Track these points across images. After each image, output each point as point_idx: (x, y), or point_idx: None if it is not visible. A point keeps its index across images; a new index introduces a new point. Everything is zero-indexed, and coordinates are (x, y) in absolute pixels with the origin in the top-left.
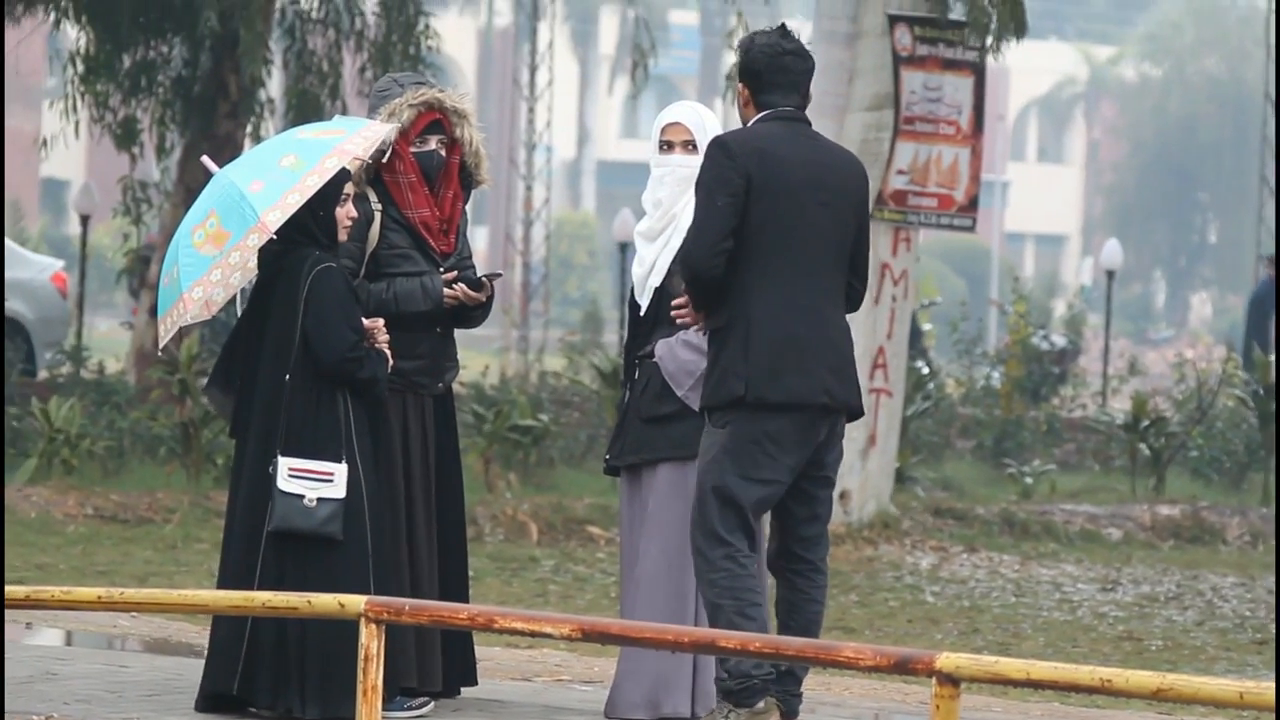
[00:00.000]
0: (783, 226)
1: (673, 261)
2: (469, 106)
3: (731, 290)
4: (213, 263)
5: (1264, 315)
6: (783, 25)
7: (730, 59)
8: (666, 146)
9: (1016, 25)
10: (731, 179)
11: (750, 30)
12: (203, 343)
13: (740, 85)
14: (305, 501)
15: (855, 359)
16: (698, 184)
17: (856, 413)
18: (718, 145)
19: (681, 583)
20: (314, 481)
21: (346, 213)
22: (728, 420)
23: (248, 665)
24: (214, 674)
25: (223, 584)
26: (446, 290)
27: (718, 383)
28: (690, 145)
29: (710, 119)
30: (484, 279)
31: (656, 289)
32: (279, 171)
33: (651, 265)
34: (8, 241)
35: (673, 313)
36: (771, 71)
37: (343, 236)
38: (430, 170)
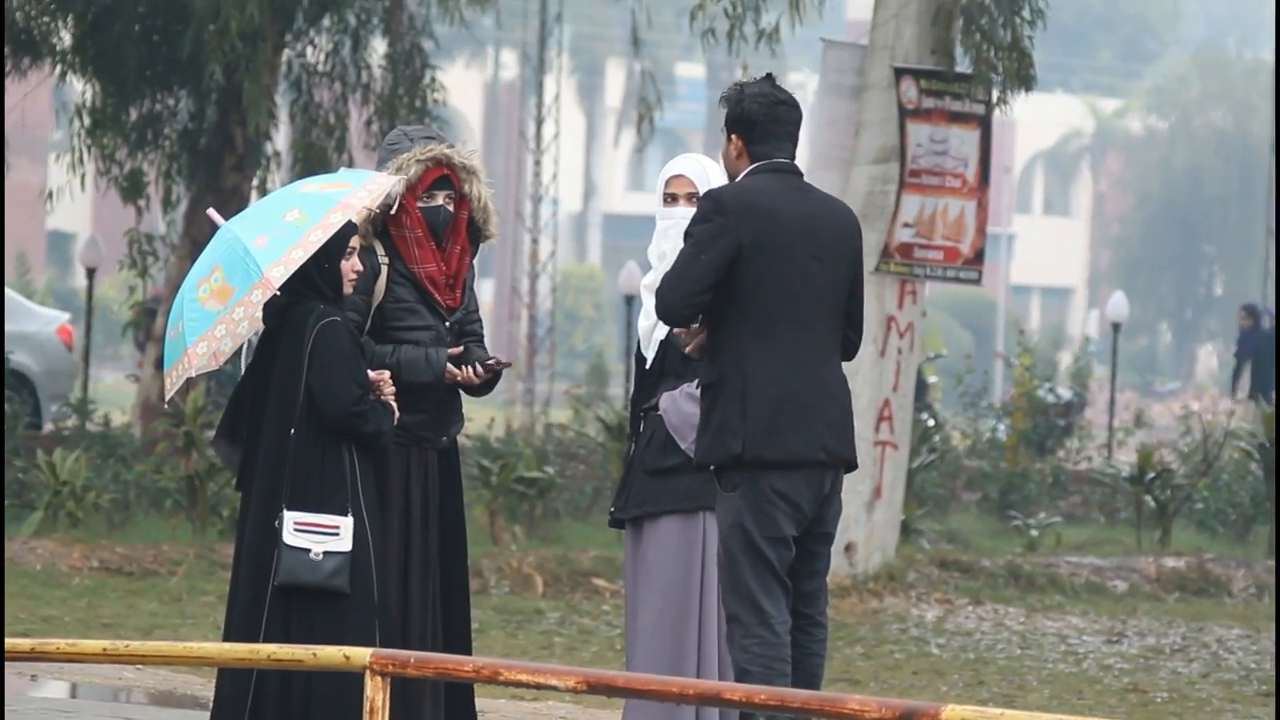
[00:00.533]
0: (778, 282)
1: None
2: (477, 163)
3: (726, 345)
4: (217, 318)
5: (1243, 365)
6: (769, 75)
7: None
8: (671, 199)
9: (1024, 78)
10: (720, 238)
11: (774, 80)
12: (208, 395)
13: (733, 136)
14: (311, 555)
15: (856, 410)
16: (686, 232)
17: (851, 466)
18: (711, 200)
19: (681, 633)
20: (320, 535)
21: (352, 266)
22: (736, 483)
23: (253, 717)
24: None
25: (228, 637)
26: (450, 367)
27: (713, 440)
28: (694, 198)
29: (714, 171)
30: (491, 365)
31: (661, 342)
32: (283, 226)
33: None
34: (14, 295)
35: (674, 332)
36: (767, 121)
37: (348, 289)
38: (437, 226)
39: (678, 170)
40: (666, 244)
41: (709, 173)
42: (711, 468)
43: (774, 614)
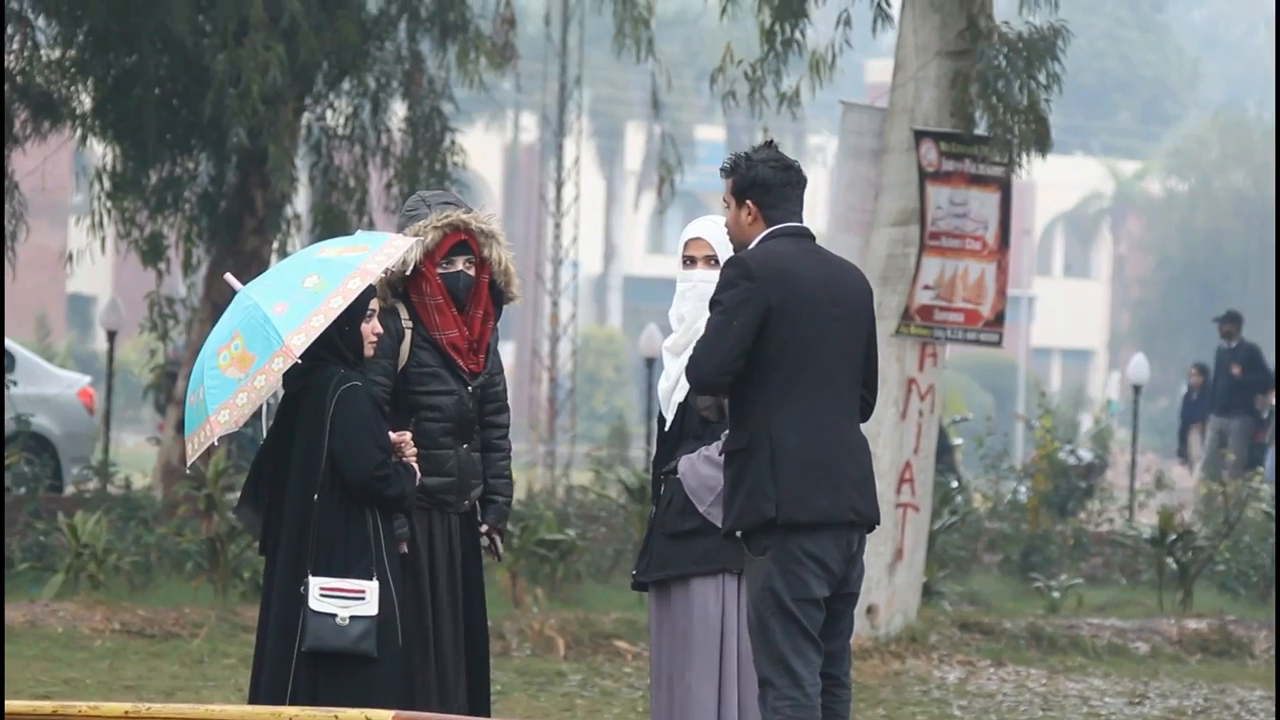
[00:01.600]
0: (803, 345)
1: None
2: (496, 226)
3: (752, 410)
4: (238, 386)
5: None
6: (770, 142)
7: None
8: (689, 262)
9: (1040, 142)
10: (750, 302)
11: (777, 147)
12: (229, 458)
13: (747, 203)
14: (338, 620)
15: (878, 473)
16: (712, 301)
17: (876, 524)
18: (736, 266)
19: (703, 696)
20: (346, 600)
21: (372, 328)
22: (765, 546)
23: None
24: None
25: (255, 703)
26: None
27: (745, 505)
28: (712, 260)
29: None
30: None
31: (680, 404)
32: (302, 293)
33: (676, 380)
34: (34, 358)
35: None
36: (781, 185)
37: (369, 352)
38: (458, 291)
39: (696, 233)
40: (685, 306)
41: (727, 235)
42: (738, 533)
43: (806, 676)
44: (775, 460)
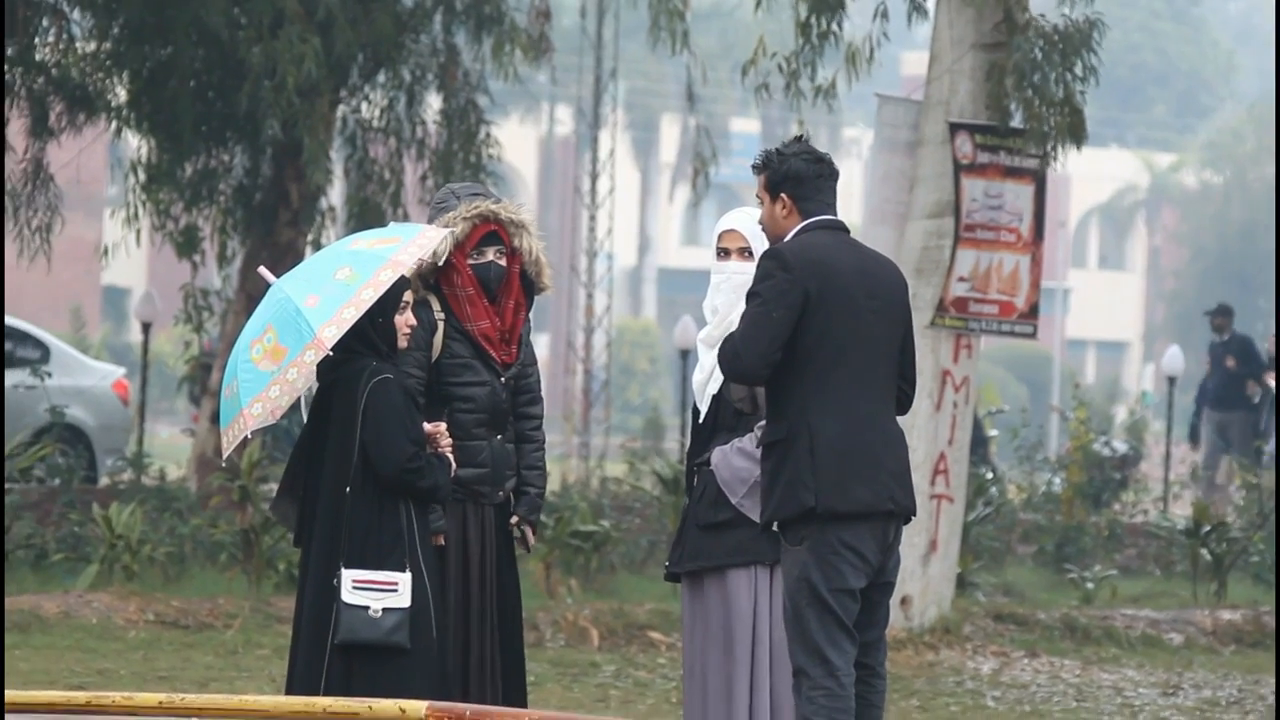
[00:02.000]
0: (840, 336)
1: None
2: (526, 216)
3: (790, 401)
4: (271, 379)
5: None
6: (800, 136)
7: None
8: (723, 254)
9: (1075, 134)
10: (789, 293)
11: (808, 140)
12: (263, 449)
13: (781, 196)
14: (371, 613)
15: (912, 464)
16: (751, 293)
17: (913, 515)
18: (774, 257)
19: (734, 688)
20: (379, 592)
21: (405, 320)
22: (803, 536)
23: None
24: None
25: (291, 694)
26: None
27: (785, 495)
28: (746, 252)
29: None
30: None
31: (714, 396)
32: (334, 285)
33: (710, 372)
34: (69, 349)
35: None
36: (814, 177)
37: (402, 344)
38: (489, 282)
39: (730, 225)
40: (719, 298)
41: (762, 230)
42: (775, 524)
43: (840, 666)
44: (814, 450)
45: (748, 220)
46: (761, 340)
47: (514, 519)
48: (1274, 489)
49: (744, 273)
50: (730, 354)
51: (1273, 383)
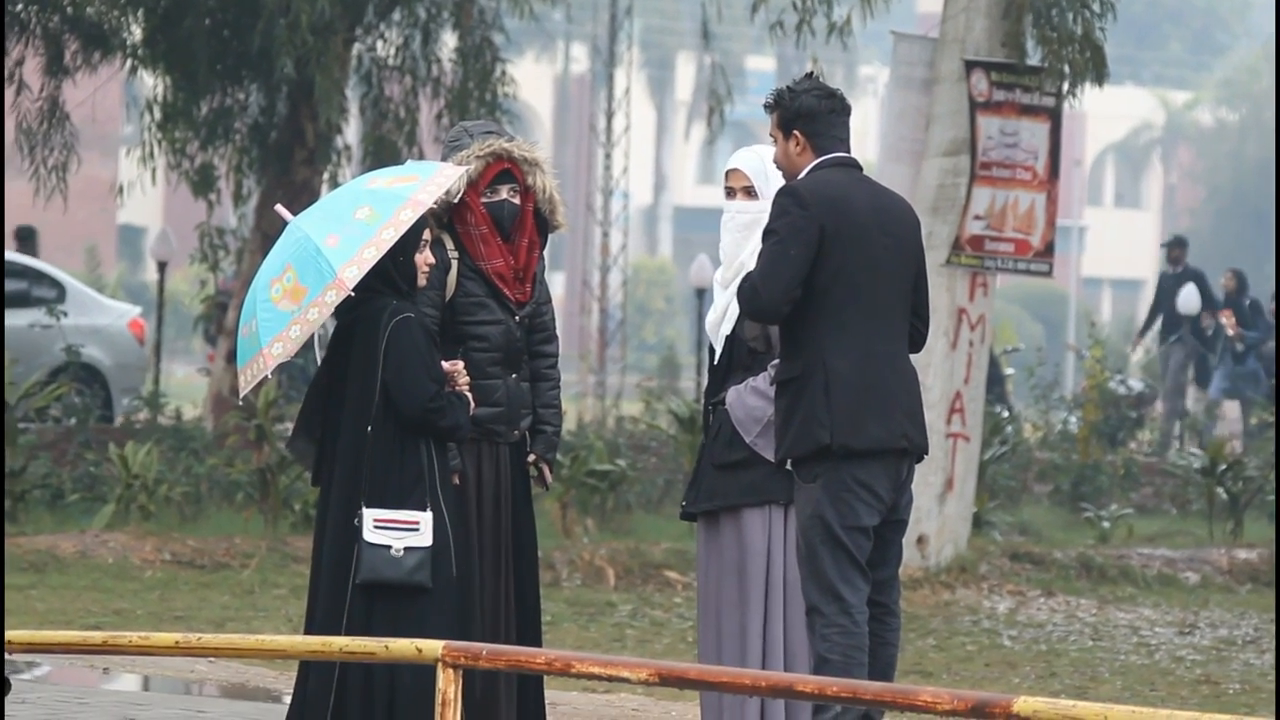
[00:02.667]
0: (855, 273)
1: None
2: (540, 154)
3: (804, 339)
4: (291, 318)
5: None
6: (811, 72)
7: None
8: (730, 193)
9: (1096, 71)
10: (805, 229)
11: (819, 78)
12: (279, 389)
13: (795, 133)
14: (392, 552)
15: (927, 403)
16: (768, 230)
17: (925, 453)
18: (790, 195)
19: (748, 627)
20: (400, 531)
21: (425, 259)
22: (816, 473)
23: (336, 716)
24: None
25: (310, 633)
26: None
27: (800, 432)
28: (750, 191)
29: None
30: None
31: (728, 337)
32: (354, 225)
33: (724, 312)
34: (85, 289)
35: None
36: (826, 113)
37: (422, 282)
38: (503, 219)
39: (733, 164)
40: (726, 238)
41: (766, 164)
42: (789, 461)
43: (854, 603)
44: (829, 387)
45: (752, 159)
46: (781, 278)
47: (531, 457)
48: (1273, 424)
49: (747, 212)
50: (749, 292)
51: (1225, 320)
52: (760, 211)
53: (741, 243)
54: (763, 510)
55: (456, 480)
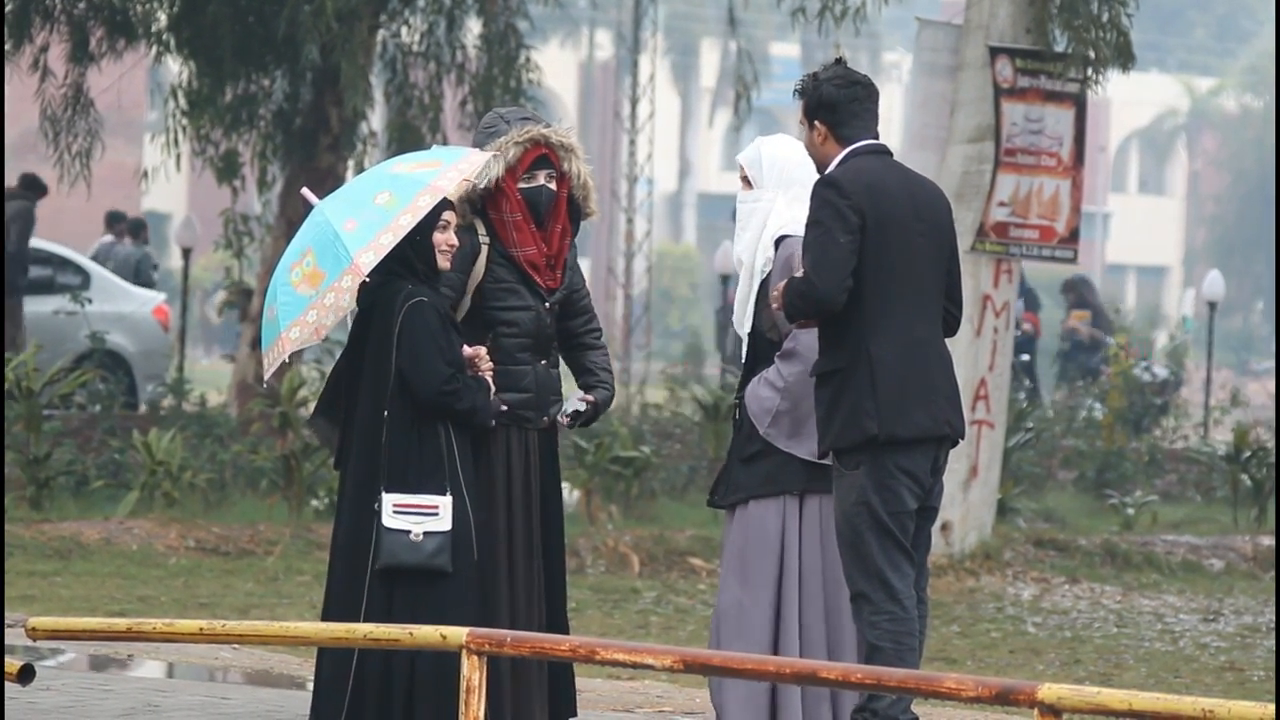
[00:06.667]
0: (893, 260)
1: (756, 300)
2: (575, 140)
3: (846, 328)
4: (309, 303)
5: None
6: (840, 59)
7: None
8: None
9: (1123, 57)
10: (848, 216)
11: (845, 65)
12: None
13: (816, 123)
14: (411, 536)
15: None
16: (811, 222)
17: (962, 438)
18: (829, 184)
19: (762, 617)
20: (419, 516)
21: (445, 239)
22: (859, 461)
23: (354, 702)
24: (320, 712)
25: (328, 619)
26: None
27: (846, 423)
28: (747, 180)
29: (773, 152)
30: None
31: (750, 332)
32: (373, 210)
33: (745, 303)
34: (110, 275)
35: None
36: (847, 101)
37: (443, 263)
38: (539, 205)
39: (738, 156)
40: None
41: (763, 155)
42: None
43: (901, 589)
44: (875, 377)
45: (749, 149)
46: (835, 266)
47: (589, 396)
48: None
49: (744, 202)
50: (803, 286)
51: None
52: (754, 200)
53: (739, 234)
54: (776, 500)
55: (505, 408)
